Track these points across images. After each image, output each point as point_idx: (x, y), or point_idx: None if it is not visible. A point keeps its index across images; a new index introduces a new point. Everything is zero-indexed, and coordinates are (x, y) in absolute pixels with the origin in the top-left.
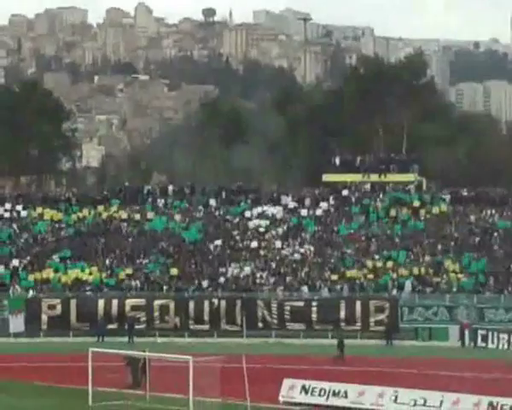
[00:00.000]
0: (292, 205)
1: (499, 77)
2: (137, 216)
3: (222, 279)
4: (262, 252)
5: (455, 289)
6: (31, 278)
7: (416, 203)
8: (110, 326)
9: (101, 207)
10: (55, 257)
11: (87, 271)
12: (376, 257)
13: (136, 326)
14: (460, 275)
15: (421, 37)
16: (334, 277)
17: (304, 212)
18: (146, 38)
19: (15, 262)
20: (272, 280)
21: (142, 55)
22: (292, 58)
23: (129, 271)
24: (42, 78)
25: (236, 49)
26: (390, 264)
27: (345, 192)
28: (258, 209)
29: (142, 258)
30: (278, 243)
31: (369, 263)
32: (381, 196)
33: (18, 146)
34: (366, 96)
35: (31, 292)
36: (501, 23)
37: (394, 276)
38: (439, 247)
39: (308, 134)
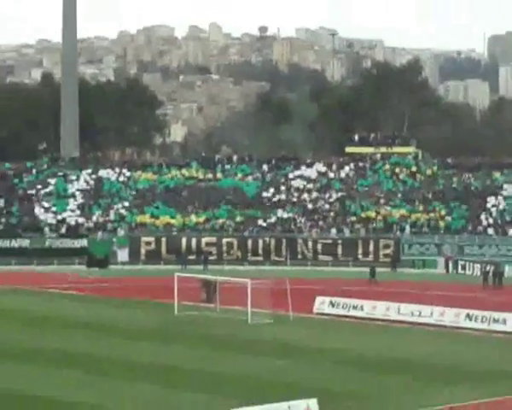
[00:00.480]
0: (323, 169)
1: (475, 77)
2: (210, 176)
3: (272, 220)
4: (301, 203)
5: (442, 231)
6: (134, 220)
7: (414, 168)
8: (190, 257)
9: (184, 170)
10: (151, 207)
11: (174, 217)
12: (385, 206)
13: (210, 258)
14: (447, 218)
15: (418, 46)
16: (354, 218)
17: (331, 174)
18: (217, 48)
19: (122, 210)
20: (308, 224)
21: (214, 60)
22: (323, 63)
23: (204, 217)
24: (141, 77)
25: (283, 56)
26: (394, 211)
27: (361, 161)
28: (298, 172)
29: (214, 208)
30: (313, 196)
31: (380, 210)
32: (387, 162)
33: (124, 126)
34: (378, 90)
35: (122, 232)
36: (477, 36)
37: (397, 220)
38: (430, 198)
39: (335, 117)
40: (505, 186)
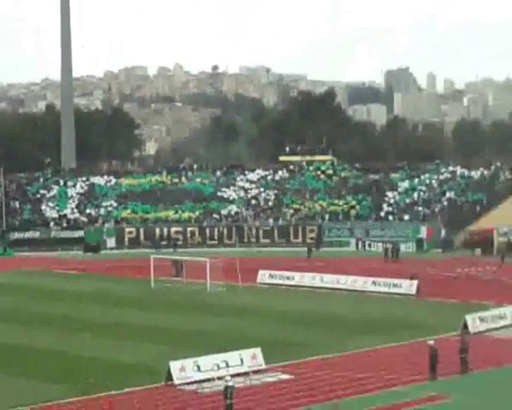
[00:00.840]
0: (262, 173)
1: (375, 101)
2: (177, 180)
3: (224, 213)
4: (246, 198)
5: (353, 218)
6: (119, 215)
7: (331, 171)
8: (163, 243)
9: (156, 176)
10: (132, 204)
11: (149, 212)
12: (309, 200)
13: (178, 243)
14: (356, 208)
15: (332, 79)
16: (286, 210)
17: (269, 177)
18: (180, 82)
19: (110, 208)
20: (252, 215)
21: (177, 92)
22: (261, 92)
23: (172, 211)
24: (123, 106)
25: (230, 88)
26: (317, 204)
27: (291, 166)
28: (243, 176)
29: (180, 204)
30: (255, 194)
31: (306, 203)
32: (310, 167)
33: (110, 143)
34: (303, 113)
35: (107, 224)
36: (376, 70)
37: (319, 211)
38: (343, 193)
39: (270, 135)
40: (399, 183)
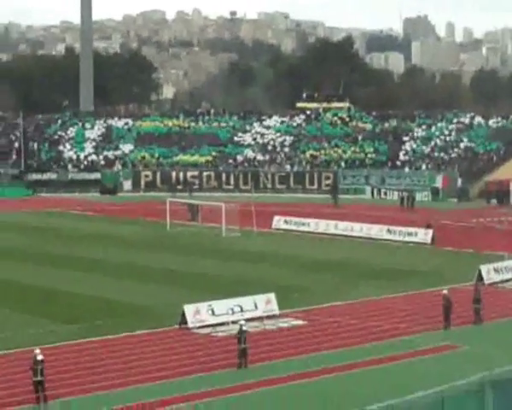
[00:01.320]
0: (279, 120)
1: (393, 49)
2: (193, 125)
3: (240, 158)
4: (262, 144)
5: (369, 166)
6: (136, 158)
7: (347, 118)
8: (179, 187)
9: (174, 120)
10: (149, 148)
11: (166, 155)
12: (326, 145)
13: (194, 187)
14: (373, 155)
15: (350, 26)
16: (302, 156)
17: (286, 123)
18: (198, 27)
19: (127, 151)
20: (268, 161)
21: (195, 37)
22: (278, 38)
23: (189, 155)
24: (141, 50)
25: (248, 33)
26: (334, 150)
27: (308, 112)
28: (260, 122)
29: (196, 148)
30: (270, 139)
31: (323, 150)
32: (327, 114)
33: (128, 87)
34: (320, 60)
35: (119, 166)
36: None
37: (335, 158)
38: (360, 140)
39: (287, 81)
40: (416, 130)
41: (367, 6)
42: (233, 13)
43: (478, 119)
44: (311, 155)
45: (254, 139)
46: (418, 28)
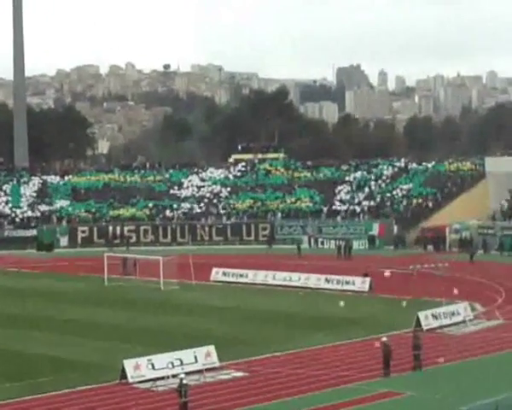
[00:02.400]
0: (215, 172)
1: (327, 99)
2: (129, 179)
3: (177, 213)
4: (198, 196)
5: (305, 215)
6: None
7: (282, 168)
8: (116, 241)
9: (109, 175)
10: (85, 203)
11: (102, 210)
12: (262, 196)
13: (131, 241)
14: (309, 204)
15: (284, 77)
16: (239, 206)
17: (222, 175)
18: (132, 81)
19: (63, 206)
20: (205, 213)
21: (130, 91)
22: (213, 91)
23: (124, 210)
24: (75, 105)
25: (182, 86)
26: (269, 201)
27: (243, 164)
28: (196, 175)
29: (133, 202)
30: (206, 191)
31: (259, 201)
32: (263, 164)
33: (62, 142)
34: (255, 111)
35: (64, 223)
36: (327, 68)
37: (272, 208)
38: (295, 190)
39: (222, 133)
40: (351, 179)
41: (300, 57)
42: (166, 66)
43: (412, 164)
44: (248, 206)
45: (190, 192)
46: (351, 77)
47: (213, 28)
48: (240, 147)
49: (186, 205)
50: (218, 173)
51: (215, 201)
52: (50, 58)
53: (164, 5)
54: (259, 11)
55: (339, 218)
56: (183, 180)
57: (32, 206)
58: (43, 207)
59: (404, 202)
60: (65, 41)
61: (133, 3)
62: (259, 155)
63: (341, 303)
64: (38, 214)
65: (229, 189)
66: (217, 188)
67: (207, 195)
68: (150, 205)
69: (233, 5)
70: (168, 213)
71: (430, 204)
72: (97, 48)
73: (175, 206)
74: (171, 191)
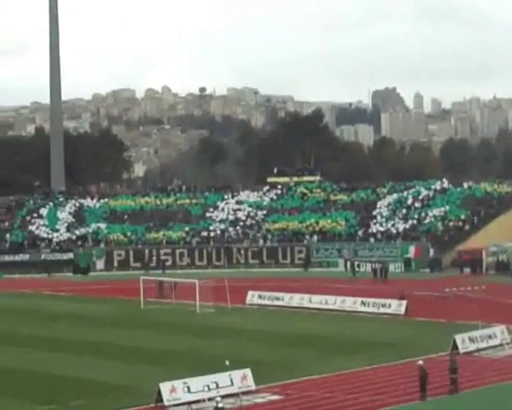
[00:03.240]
0: (251, 194)
1: (362, 122)
2: (164, 201)
3: (213, 234)
4: (234, 219)
5: (340, 237)
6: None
7: (318, 191)
8: (151, 265)
9: (146, 198)
10: (121, 226)
11: (138, 233)
12: (298, 218)
13: (166, 264)
14: (344, 226)
15: (319, 100)
16: (275, 228)
17: (257, 198)
18: (168, 104)
19: (99, 229)
20: (241, 236)
21: (165, 114)
22: (248, 114)
23: (163, 232)
24: (111, 128)
25: (218, 109)
26: (305, 224)
27: (278, 187)
28: (232, 198)
29: (168, 225)
30: (242, 214)
31: (295, 222)
32: (298, 188)
33: (99, 166)
34: (290, 134)
35: (102, 245)
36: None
37: (308, 231)
38: (331, 212)
39: (258, 156)
40: (387, 201)
41: (336, 80)
42: (202, 89)
43: (448, 186)
44: (284, 229)
45: (226, 215)
46: (387, 100)
47: (249, 51)
48: (275, 170)
49: (221, 228)
50: (253, 196)
51: (250, 224)
52: (86, 82)
53: (199, 29)
54: (295, 34)
55: (372, 240)
56: (218, 203)
57: (68, 228)
58: (80, 230)
59: (441, 225)
60: (101, 65)
61: (168, 28)
62: (295, 178)
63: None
64: (75, 237)
65: (264, 211)
66: (252, 211)
67: (243, 218)
68: (186, 228)
69: (268, 28)
70: (204, 236)
71: (466, 226)
72: (133, 72)
73: (211, 229)
74: (207, 214)
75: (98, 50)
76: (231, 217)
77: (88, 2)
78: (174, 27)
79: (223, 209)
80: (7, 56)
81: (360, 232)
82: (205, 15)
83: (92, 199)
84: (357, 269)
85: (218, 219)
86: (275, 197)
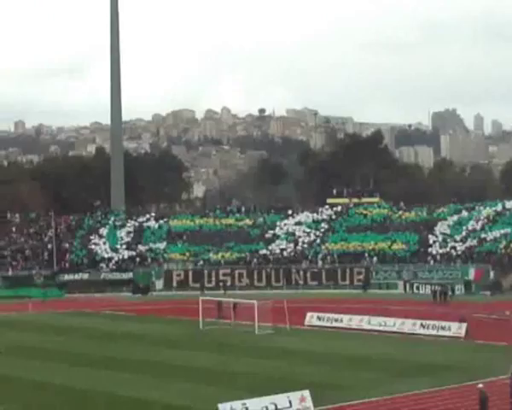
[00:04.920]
0: (310, 215)
1: (422, 143)
2: (223, 221)
3: (272, 254)
4: (294, 240)
5: (400, 258)
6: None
7: (376, 212)
8: (209, 285)
9: (205, 219)
10: (183, 245)
11: (198, 253)
12: (357, 239)
13: (227, 284)
14: (404, 247)
15: (379, 121)
16: (335, 248)
17: (317, 219)
18: (227, 126)
19: (158, 249)
20: (300, 257)
21: (225, 135)
22: (308, 135)
23: (222, 253)
24: (171, 149)
25: (277, 130)
26: (365, 244)
27: (338, 208)
28: (291, 218)
29: (228, 246)
30: (302, 235)
31: (355, 243)
32: (357, 209)
33: (158, 186)
34: (350, 156)
35: (165, 265)
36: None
37: (367, 251)
38: (390, 233)
39: (317, 177)
40: (447, 221)
41: (395, 101)
42: (262, 110)
43: (509, 207)
44: (343, 250)
45: (285, 235)
46: (447, 122)
47: (308, 72)
48: (335, 191)
49: (280, 248)
50: (312, 217)
51: (309, 244)
52: (146, 103)
53: (258, 50)
54: (354, 55)
55: (432, 261)
56: (277, 223)
57: (128, 247)
58: (139, 250)
59: (501, 247)
60: (161, 86)
61: (228, 48)
62: (354, 200)
63: None
64: (134, 256)
65: (323, 232)
66: (312, 231)
67: (302, 238)
68: (245, 249)
69: (327, 49)
70: (262, 255)
71: None
72: (193, 93)
73: (270, 249)
74: (266, 235)
75: (158, 71)
76: (290, 237)
77: (149, 23)
78: (234, 48)
79: (282, 230)
80: (68, 77)
81: (420, 253)
82: (264, 36)
83: (151, 220)
84: (416, 291)
85: (277, 240)
86: (334, 217)
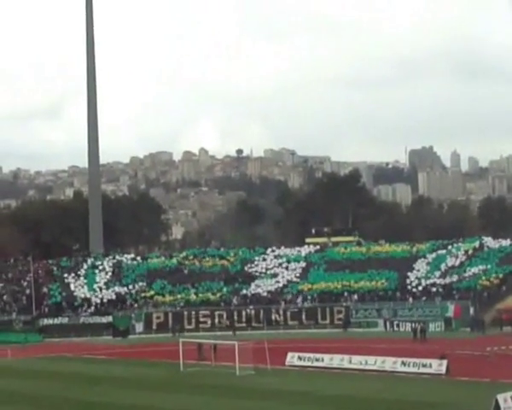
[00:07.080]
0: (290, 253)
1: (399, 181)
2: (202, 261)
3: (249, 294)
4: (275, 280)
5: (379, 296)
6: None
7: (355, 250)
8: (188, 327)
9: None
10: (159, 288)
11: (177, 295)
12: (336, 280)
13: (205, 326)
14: (383, 284)
15: (356, 160)
16: (314, 288)
17: (295, 258)
18: (205, 167)
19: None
20: (280, 298)
21: (203, 177)
22: (285, 175)
23: (200, 294)
24: (149, 191)
25: (255, 171)
26: (343, 283)
27: (317, 247)
28: (273, 255)
29: (207, 286)
30: (282, 275)
31: (334, 282)
32: (336, 248)
33: (137, 228)
34: (328, 194)
35: (145, 309)
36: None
37: (347, 290)
38: (368, 271)
39: (296, 216)
40: (425, 258)
41: (372, 139)
42: (239, 151)
43: (487, 244)
44: (322, 289)
45: (264, 273)
46: (424, 159)
47: (285, 112)
48: (313, 230)
49: (260, 287)
50: (291, 255)
51: (288, 284)
52: (124, 145)
53: (234, 91)
54: (330, 95)
55: (411, 299)
56: (256, 262)
57: (106, 286)
58: (118, 289)
59: (480, 283)
60: (138, 128)
61: (204, 91)
62: (333, 238)
63: None
64: (113, 296)
65: (302, 272)
66: (290, 271)
67: (281, 278)
68: (224, 289)
69: (303, 90)
70: (242, 295)
71: (505, 285)
72: (170, 134)
73: (249, 288)
74: (245, 270)
75: (134, 114)
76: (269, 277)
77: (125, 65)
78: (210, 90)
79: (261, 267)
80: (45, 119)
81: (399, 290)
82: (240, 78)
83: (129, 260)
84: (396, 329)
85: (256, 278)
86: (313, 257)
